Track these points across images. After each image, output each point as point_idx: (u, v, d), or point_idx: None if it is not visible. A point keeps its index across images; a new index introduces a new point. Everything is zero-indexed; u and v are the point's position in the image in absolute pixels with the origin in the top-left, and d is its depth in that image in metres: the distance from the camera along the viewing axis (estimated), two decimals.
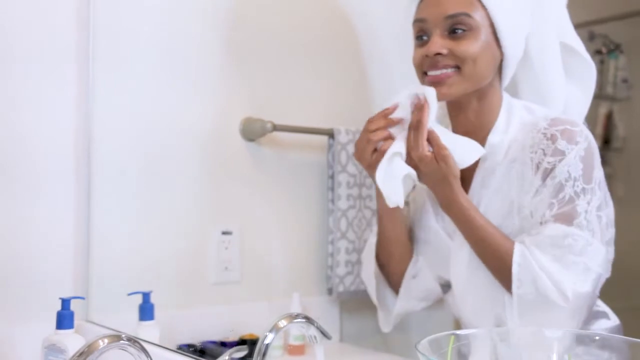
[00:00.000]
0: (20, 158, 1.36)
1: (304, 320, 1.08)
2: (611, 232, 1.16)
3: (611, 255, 1.18)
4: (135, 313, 1.29)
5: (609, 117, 2.95)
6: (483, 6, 1.13)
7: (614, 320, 1.26)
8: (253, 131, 1.55)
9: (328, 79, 1.69)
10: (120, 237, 1.41)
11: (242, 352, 1.14)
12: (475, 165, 1.20)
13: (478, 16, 1.14)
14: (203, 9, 1.53)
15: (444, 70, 1.14)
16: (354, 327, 1.63)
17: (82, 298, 1.31)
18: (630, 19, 2.77)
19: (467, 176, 1.21)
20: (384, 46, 1.74)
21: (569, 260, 1.06)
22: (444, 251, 1.23)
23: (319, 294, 1.60)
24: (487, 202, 1.17)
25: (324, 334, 1.06)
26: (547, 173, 1.10)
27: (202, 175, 1.51)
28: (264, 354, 1.09)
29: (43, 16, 1.39)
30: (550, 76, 1.21)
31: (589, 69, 1.24)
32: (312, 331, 1.08)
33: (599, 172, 1.12)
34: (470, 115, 1.20)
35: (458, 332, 0.89)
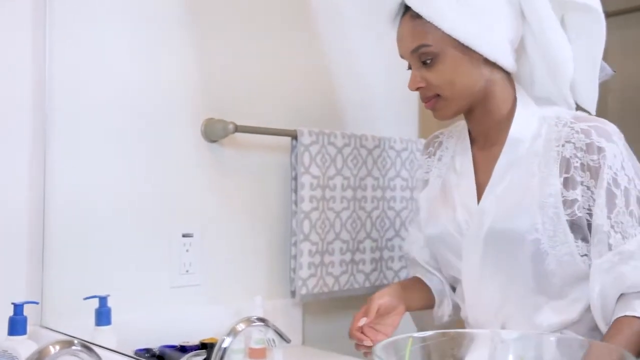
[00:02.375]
0: None
1: (261, 323, 1.07)
2: None
3: None
4: (92, 318, 1.27)
5: None
6: (437, 27, 1.14)
7: None
8: (215, 132, 1.53)
9: (291, 79, 1.68)
10: (77, 239, 1.37)
11: (200, 357, 1.13)
12: (492, 160, 1.20)
13: (436, 40, 1.14)
14: (166, 13, 1.51)
15: (431, 100, 1.19)
16: (317, 330, 1.62)
17: (36, 303, 1.28)
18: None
19: (485, 171, 1.21)
20: (349, 47, 1.73)
21: None
22: (454, 246, 1.23)
23: (282, 297, 1.59)
24: (505, 196, 1.17)
25: (282, 337, 1.05)
26: (599, 173, 1.10)
27: (163, 176, 1.49)
28: (222, 358, 1.07)
29: None
30: (551, 36, 1.18)
31: (592, 16, 1.19)
32: (271, 334, 1.06)
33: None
34: (482, 115, 1.22)
35: (416, 334, 0.89)
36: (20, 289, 1.31)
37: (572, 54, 1.20)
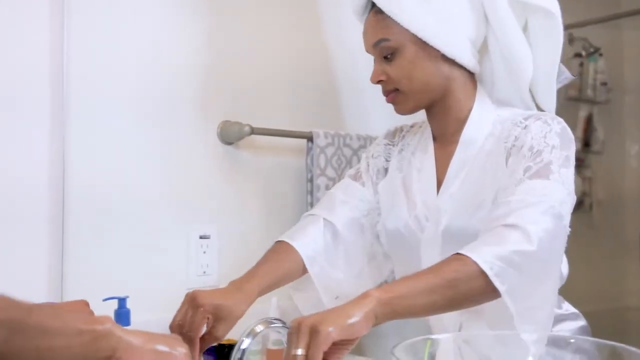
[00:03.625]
0: None
1: (280, 325, 1.08)
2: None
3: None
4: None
5: (589, 120, 2.97)
6: (397, 22, 1.17)
7: (582, 321, 1.28)
8: (231, 134, 1.54)
9: (306, 82, 1.69)
10: (96, 241, 1.39)
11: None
12: (449, 158, 1.21)
13: (396, 35, 1.17)
14: (182, 14, 1.52)
15: (391, 94, 1.22)
16: None
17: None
18: (609, 22, 2.80)
19: (443, 169, 1.22)
20: (362, 49, 1.73)
21: (540, 202, 1.02)
22: (413, 242, 1.23)
23: None
24: (460, 195, 1.18)
25: None
26: (520, 147, 1.11)
27: (179, 179, 1.50)
28: (241, 359, 1.08)
29: None
30: (511, 37, 1.20)
31: (551, 21, 1.19)
32: None
33: (573, 155, 1.12)
34: (441, 113, 1.23)
35: (434, 336, 0.89)
36: (42, 290, 1.32)
37: (531, 56, 1.21)
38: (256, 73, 1.61)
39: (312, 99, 1.70)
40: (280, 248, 1.25)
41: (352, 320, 0.90)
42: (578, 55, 2.91)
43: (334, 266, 1.28)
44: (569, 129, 1.15)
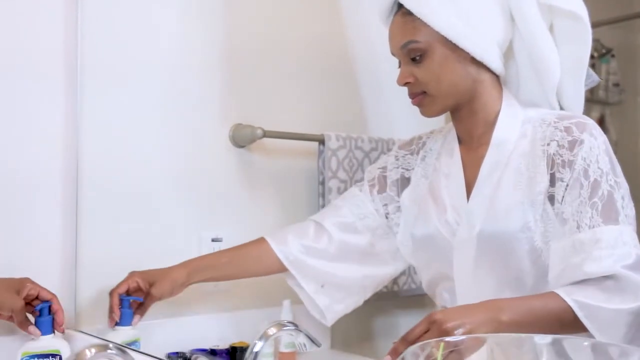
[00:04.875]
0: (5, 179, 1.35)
1: (293, 327, 1.08)
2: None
3: None
4: None
5: (601, 121, 2.95)
6: (427, 24, 1.16)
7: None
8: (243, 137, 1.54)
9: (318, 84, 1.69)
10: (109, 245, 1.40)
11: None
12: (478, 161, 1.21)
13: (425, 37, 1.17)
14: (195, 15, 1.53)
15: (418, 96, 1.21)
16: (344, 334, 1.62)
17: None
18: (621, 23, 2.78)
19: (472, 172, 1.22)
20: (374, 51, 1.74)
21: (629, 253, 1.06)
22: (444, 248, 1.23)
23: None
24: (495, 197, 1.17)
25: (313, 341, 1.06)
26: (572, 165, 1.11)
27: (191, 182, 1.51)
28: None
29: None
30: (538, 40, 1.19)
31: (579, 24, 1.19)
32: (302, 338, 1.07)
33: (617, 163, 1.14)
34: (468, 115, 1.23)
35: (447, 338, 0.89)
36: (55, 293, 1.33)
37: (558, 59, 1.20)
38: (267, 76, 1.61)
39: (323, 101, 1.70)
40: (254, 241, 1.37)
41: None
42: (590, 56, 2.89)
43: (320, 258, 1.34)
44: (602, 132, 1.15)
